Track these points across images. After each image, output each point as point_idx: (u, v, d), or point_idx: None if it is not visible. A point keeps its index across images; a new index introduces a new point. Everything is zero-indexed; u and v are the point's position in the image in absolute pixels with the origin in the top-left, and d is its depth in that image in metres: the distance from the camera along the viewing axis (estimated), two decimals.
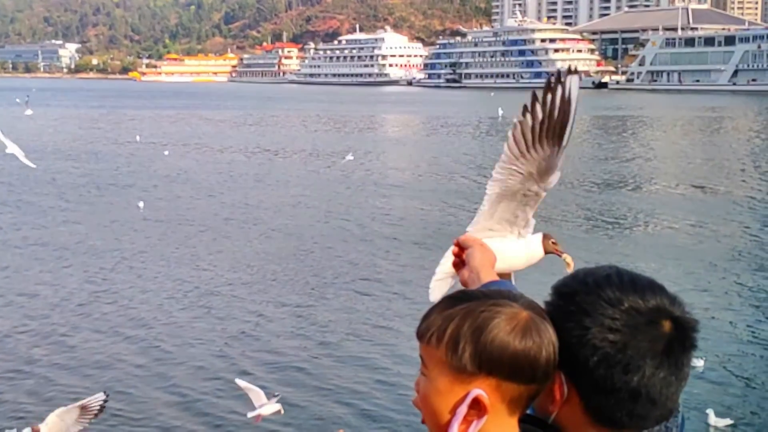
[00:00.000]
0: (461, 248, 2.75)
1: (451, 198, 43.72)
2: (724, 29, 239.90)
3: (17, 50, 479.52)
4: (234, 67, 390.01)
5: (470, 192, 46.18)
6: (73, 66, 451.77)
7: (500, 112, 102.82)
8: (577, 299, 2.14)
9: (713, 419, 17.16)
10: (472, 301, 2.05)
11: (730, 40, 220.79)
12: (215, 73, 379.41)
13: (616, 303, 2.09)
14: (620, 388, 2.06)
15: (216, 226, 35.90)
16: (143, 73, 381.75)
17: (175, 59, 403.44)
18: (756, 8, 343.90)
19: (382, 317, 22.47)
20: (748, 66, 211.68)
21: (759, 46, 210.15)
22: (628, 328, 2.06)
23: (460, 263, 2.75)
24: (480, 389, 1.97)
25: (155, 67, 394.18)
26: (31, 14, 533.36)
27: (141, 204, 39.66)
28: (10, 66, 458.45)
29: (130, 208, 39.79)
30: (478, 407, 1.97)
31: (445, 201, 42.79)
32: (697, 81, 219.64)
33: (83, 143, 74.01)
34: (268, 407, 16.14)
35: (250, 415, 16.28)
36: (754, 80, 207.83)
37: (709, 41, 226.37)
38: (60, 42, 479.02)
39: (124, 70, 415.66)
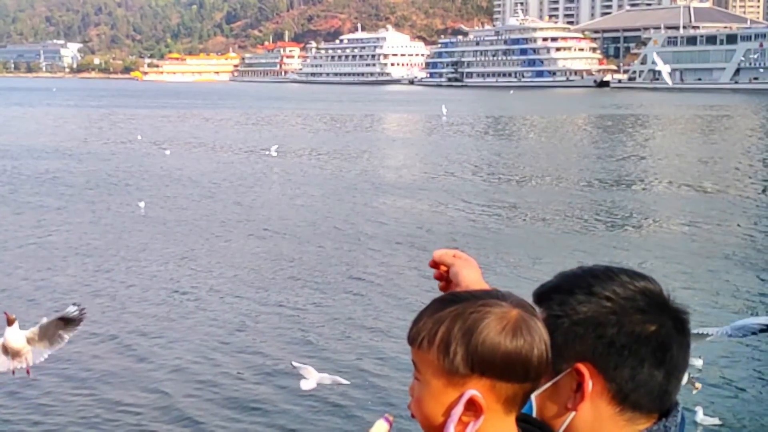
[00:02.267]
0: (438, 266, 2.65)
1: (445, 197, 43.78)
2: (726, 27, 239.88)
3: (19, 50, 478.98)
4: (236, 66, 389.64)
5: (464, 191, 46.23)
6: (75, 66, 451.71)
7: (444, 110, 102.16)
8: (594, 290, 2.18)
9: (700, 417, 17.02)
10: (461, 303, 2.07)
11: (732, 39, 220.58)
12: (217, 73, 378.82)
13: (632, 287, 2.15)
14: (657, 369, 2.11)
15: (214, 226, 35.89)
16: (145, 73, 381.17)
17: (177, 59, 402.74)
18: (758, 6, 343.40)
19: (376, 319, 22.46)
20: (750, 64, 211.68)
21: (761, 45, 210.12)
22: (652, 308, 2.13)
23: (446, 285, 2.67)
24: (474, 390, 1.99)
25: (157, 66, 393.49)
26: (33, 14, 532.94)
27: (141, 204, 39.67)
28: (12, 66, 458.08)
29: (130, 208, 39.87)
30: (473, 408, 2.00)
31: (439, 200, 42.82)
32: (699, 80, 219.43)
33: (83, 142, 74.07)
34: (327, 377, 15.96)
35: (305, 386, 16.00)
36: (756, 79, 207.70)
37: (711, 40, 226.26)
38: (62, 42, 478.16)
39: (126, 69, 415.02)
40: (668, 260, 29.35)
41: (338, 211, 40.31)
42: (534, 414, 2.19)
